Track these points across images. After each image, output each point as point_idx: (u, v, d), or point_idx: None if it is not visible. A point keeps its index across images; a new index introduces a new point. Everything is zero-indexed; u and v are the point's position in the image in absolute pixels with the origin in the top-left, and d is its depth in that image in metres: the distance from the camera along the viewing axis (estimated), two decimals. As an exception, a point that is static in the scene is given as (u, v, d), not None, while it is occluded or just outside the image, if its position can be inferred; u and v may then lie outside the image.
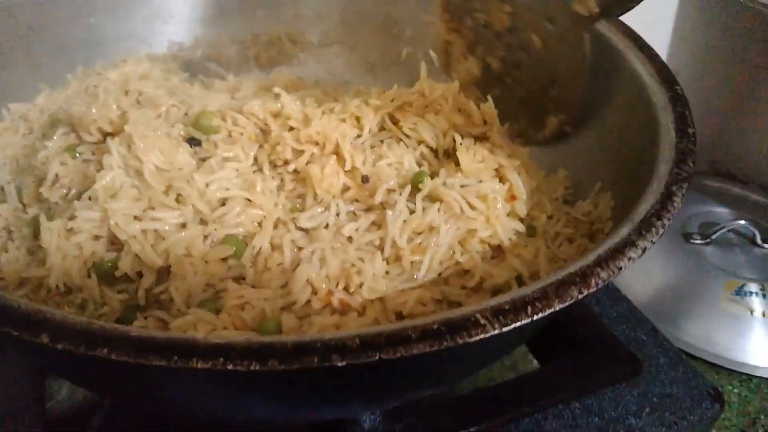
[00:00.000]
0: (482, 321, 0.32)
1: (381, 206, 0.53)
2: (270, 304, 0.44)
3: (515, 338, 0.43)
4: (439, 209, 0.51)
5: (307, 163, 0.55)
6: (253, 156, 0.55)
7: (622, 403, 0.65)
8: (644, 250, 0.38)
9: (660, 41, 1.05)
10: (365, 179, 0.54)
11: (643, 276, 0.87)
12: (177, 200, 0.49)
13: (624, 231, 0.39)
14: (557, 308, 0.33)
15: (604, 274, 0.36)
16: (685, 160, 0.47)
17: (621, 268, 0.36)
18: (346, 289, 0.46)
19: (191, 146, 0.54)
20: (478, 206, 0.52)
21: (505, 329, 0.32)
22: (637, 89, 0.58)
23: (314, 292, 0.46)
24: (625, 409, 0.65)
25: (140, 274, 0.46)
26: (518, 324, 0.32)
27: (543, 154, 0.70)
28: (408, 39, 0.82)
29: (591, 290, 0.35)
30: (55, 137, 0.56)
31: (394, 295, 0.47)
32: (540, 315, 0.33)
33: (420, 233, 0.51)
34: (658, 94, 0.55)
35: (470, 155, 0.56)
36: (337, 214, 0.53)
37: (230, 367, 0.29)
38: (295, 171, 0.55)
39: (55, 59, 0.71)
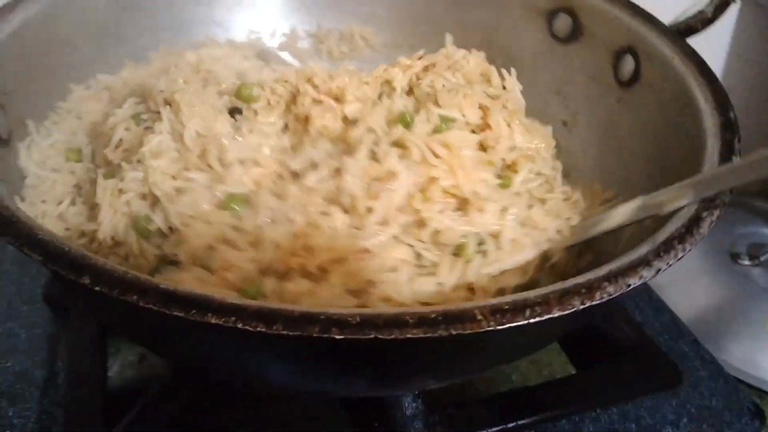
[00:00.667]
0: (479, 317, 0.34)
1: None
2: (254, 266, 0.46)
3: (522, 340, 0.44)
4: (399, 156, 0.51)
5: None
6: (283, 122, 0.60)
7: (660, 411, 0.66)
8: (658, 271, 0.38)
9: (716, 58, 1.04)
10: (353, 121, 0.56)
11: (688, 294, 0.87)
12: (208, 164, 0.53)
13: (643, 249, 0.40)
14: (555, 315, 0.34)
15: (611, 289, 0.37)
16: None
17: (630, 286, 0.37)
18: (307, 249, 0.46)
19: (233, 116, 0.60)
20: (441, 153, 0.51)
21: (499, 327, 0.34)
22: (690, 110, 0.59)
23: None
24: (663, 418, 0.65)
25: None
26: (514, 324, 0.34)
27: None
28: (477, 45, 0.82)
29: (594, 302, 0.36)
30: (125, 105, 0.61)
31: (356, 257, 0.47)
32: (537, 319, 0.34)
33: (379, 180, 0.50)
34: (710, 118, 0.55)
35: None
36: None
37: (239, 326, 0.33)
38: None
39: (142, 37, 0.78)
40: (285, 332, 0.32)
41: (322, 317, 0.33)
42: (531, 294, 0.36)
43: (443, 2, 0.88)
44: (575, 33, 0.80)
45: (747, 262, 0.85)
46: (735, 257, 0.84)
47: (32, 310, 0.73)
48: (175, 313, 0.33)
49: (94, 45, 0.73)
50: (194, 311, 0.33)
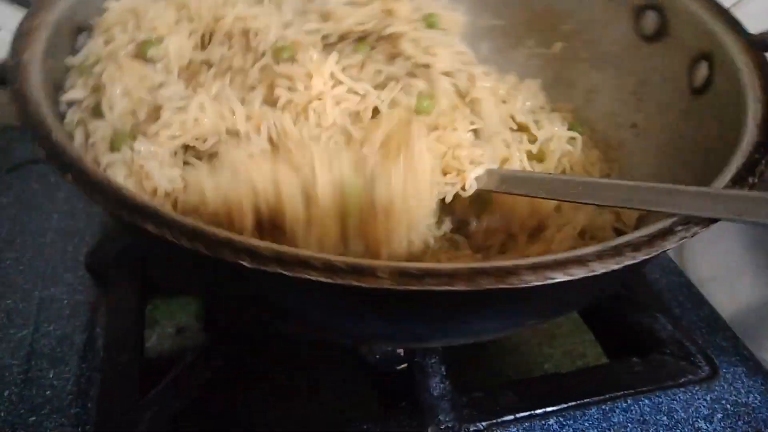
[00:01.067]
0: (380, 274, 0.42)
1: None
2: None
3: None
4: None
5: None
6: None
7: (693, 405, 0.68)
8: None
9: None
10: None
11: (730, 290, 0.89)
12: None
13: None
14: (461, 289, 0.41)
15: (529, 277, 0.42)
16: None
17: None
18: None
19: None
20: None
21: (399, 287, 0.41)
22: (738, 126, 0.60)
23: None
24: (696, 412, 0.67)
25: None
26: (411, 288, 0.41)
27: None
28: (564, 37, 0.89)
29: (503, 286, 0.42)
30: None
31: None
32: (437, 288, 0.41)
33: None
34: (749, 137, 0.57)
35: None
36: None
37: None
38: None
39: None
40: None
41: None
42: (446, 266, 0.42)
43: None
44: (660, 32, 0.82)
45: (793, 260, 0.82)
46: (783, 253, 0.82)
47: (74, 277, 0.83)
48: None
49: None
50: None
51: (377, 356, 0.67)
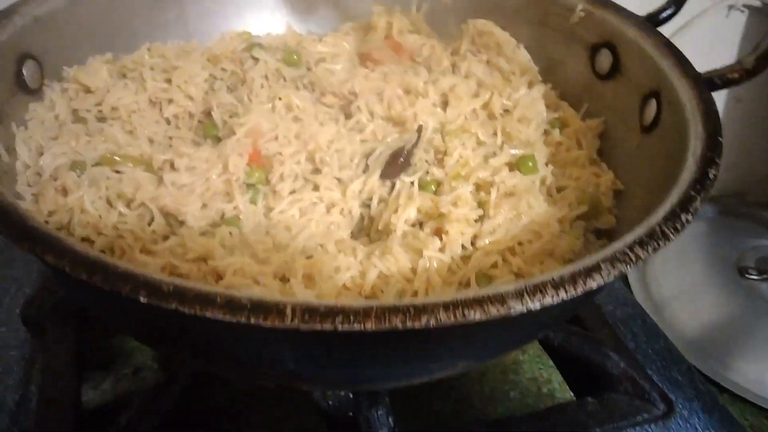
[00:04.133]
0: (288, 312, 0.40)
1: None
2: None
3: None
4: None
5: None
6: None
7: None
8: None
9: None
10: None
11: (692, 308, 0.89)
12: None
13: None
14: (369, 329, 0.39)
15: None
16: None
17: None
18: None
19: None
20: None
21: (302, 327, 0.39)
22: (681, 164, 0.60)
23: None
24: None
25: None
26: (315, 328, 0.39)
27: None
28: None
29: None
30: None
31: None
32: (345, 328, 0.39)
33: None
34: (688, 174, 0.57)
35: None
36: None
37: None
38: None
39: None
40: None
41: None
42: (356, 304, 0.40)
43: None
44: (614, 70, 0.83)
45: (755, 277, 0.86)
46: (743, 271, 0.84)
47: (9, 331, 0.79)
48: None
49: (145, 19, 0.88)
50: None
51: (329, 402, 0.64)
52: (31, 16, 0.73)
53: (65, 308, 0.77)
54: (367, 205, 0.72)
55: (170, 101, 0.78)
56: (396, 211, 0.66)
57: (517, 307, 0.42)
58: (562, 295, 0.43)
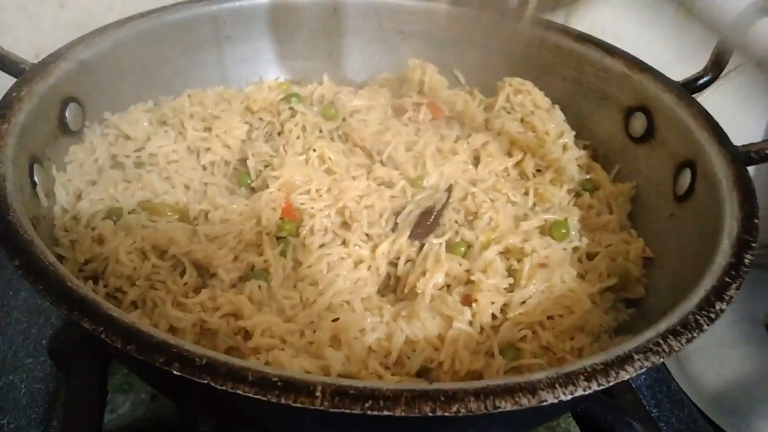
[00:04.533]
0: (317, 393, 0.40)
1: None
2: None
3: None
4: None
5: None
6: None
7: None
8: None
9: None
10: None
11: (717, 365, 0.86)
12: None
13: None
14: (398, 414, 0.40)
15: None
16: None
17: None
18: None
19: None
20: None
21: (332, 410, 0.40)
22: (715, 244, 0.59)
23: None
24: None
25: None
26: (344, 411, 0.40)
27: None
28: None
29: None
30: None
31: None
32: (375, 413, 0.39)
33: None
34: (723, 258, 0.56)
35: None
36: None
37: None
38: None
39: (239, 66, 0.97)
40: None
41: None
42: (386, 386, 0.40)
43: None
44: (648, 134, 0.83)
45: (783, 334, 0.80)
46: (770, 328, 0.81)
47: (35, 363, 0.80)
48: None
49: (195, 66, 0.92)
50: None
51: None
52: (76, 60, 0.75)
53: (92, 343, 0.76)
54: (394, 263, 0.72)
55: (208, 149, 0.79)
56: (424, 274, 0.66)
57: (548, 399, 0.41)
58: (594, 386, 0.43)
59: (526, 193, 0.78)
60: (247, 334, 0.60)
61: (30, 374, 0.78)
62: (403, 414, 0.40)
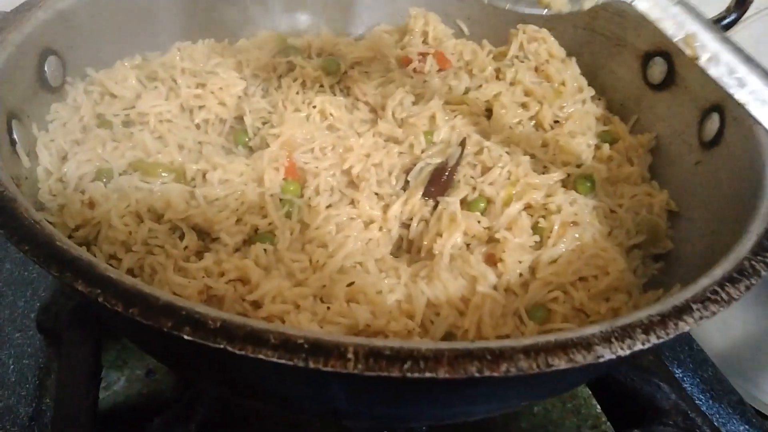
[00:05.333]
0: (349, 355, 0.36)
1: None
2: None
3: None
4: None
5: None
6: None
7: None
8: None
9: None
10: None
11: (722, 324, 0.84)
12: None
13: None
14: (441, 376, 0.36)
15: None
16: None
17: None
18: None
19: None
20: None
21: (367, 374, 0.36)
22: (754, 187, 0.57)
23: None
24: None
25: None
26: (378, 374, 0.35)
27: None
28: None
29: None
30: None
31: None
32: (411, 375, 0.36)
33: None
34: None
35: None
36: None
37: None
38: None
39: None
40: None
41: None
42: (425, 346, 0.37)
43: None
44: (668, 80, 0.79)
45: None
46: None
47: (24, 337, 0.75)
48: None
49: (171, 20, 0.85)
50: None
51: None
52: (54, 9, 0.69)
53: (84, 314, 0.72)
54: (405, 225, 0.67)
55: (202, 107, 0.74)
56: (440, 235, 0.62)
57: (605, 354, 0.37)
58: (653, 339, 0.39)
59: (544, 145, 0.74)
60: (255, 303, 0.55)
61: (18, 350, 0.73)
62: (446, 376, 0.36)
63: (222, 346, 0.36)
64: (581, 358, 0.37)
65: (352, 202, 0.67)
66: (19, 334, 0.75)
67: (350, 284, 0.57)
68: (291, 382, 0.45)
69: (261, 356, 0.36)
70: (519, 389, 0.45)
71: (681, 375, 0.77)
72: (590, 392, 0.74)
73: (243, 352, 0.36)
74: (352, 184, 0.70)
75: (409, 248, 0.67)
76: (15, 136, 0.60)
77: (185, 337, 0.36)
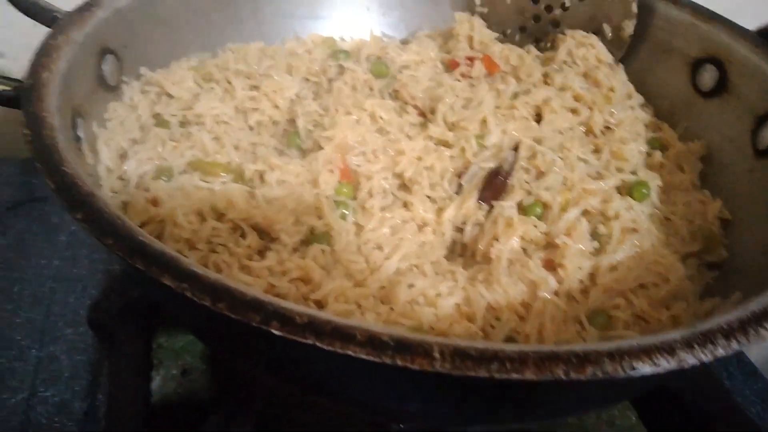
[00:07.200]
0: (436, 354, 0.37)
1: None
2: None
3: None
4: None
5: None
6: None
7: None
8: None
9: None
10: None
11: None
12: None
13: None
14: (529, 378, 0.36)
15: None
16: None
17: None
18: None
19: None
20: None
21: (454, 373, 0.36)
22: None
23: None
24: None
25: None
26: (466, 374, 0.36)
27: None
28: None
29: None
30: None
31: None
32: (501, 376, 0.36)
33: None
34: None
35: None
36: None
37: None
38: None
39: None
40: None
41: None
42: (509, 348, 0.37)
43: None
44: (719, 88, 0.79)
45: None
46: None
47: (75, 334, 0.77)
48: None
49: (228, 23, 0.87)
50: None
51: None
52: (112, 8, 0.71)
53: (134, 311, 0.75)
54: (458, 228, 0.68)
55: (255, 109, 0.75)
56: (495, 239, 0.63)
57: (688, 360, 0.38)
58: (734, 345, 0.39)
59: (596, 151, 0.75)
60: (318, 302, 0.55)
61: (71, 345, 0.75)
62: (533, 377, 0.36)
63: (311, 342, 0.37)
64: (665, 363, 0.37)
65: (405, 205, 0.68)
66: (70, 330, 0.77)
67: (410, 286, 0.57)
68: (361, 377, 0.45)
69: (349, 352, 0.36)
70: (584, 396, 0.46)
71: (730, 386, 0.76)
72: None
73: (331, 348, 0.37)
74: (404, 187, 0.71)
75: (463, 252, 0.67)
76: (80, 134, 0.61)
77: (273, 332, 0.37)
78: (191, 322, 0.54)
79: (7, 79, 0.62)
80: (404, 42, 0.96)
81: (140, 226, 0.60)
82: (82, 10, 0.68)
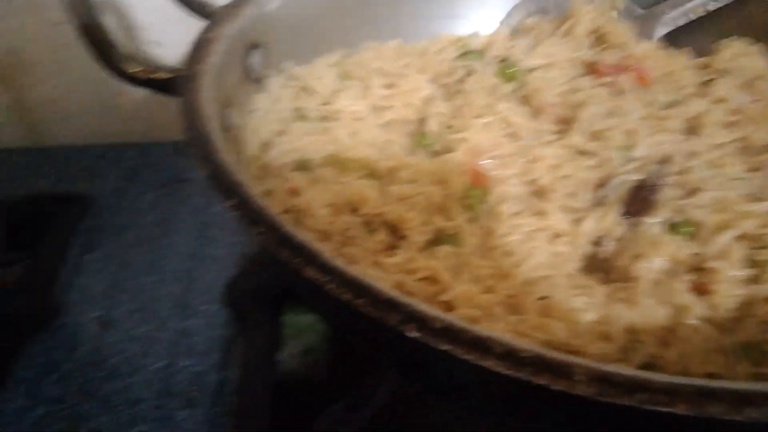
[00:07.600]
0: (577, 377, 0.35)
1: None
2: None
3: None
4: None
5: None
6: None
7: None
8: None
9: None
10: None
11: None
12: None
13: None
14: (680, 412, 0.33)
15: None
16: None
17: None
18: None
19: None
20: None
21: (599, 398, 0.34)
22: None
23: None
24: None
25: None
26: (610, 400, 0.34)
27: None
28: None
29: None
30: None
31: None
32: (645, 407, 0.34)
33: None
34: None
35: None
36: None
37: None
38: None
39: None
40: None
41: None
42: (659, 378, 0.35)
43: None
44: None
45: None
46: None
47: (212, 310, 0.81)
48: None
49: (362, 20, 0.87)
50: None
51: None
52: (260, 5, 0.74)
53: (267, 293, 0.78)
54: (594, 242, 0.64)
55: (389, 108, 0.76)
56: (638, 256, 0.59)
57: None
58: None
59: (755, 170, 0.68)
60: (446, 304, 0.55)
61: (206, 321, 0.79)
62: (686, 413, 0.34)
63: (447, 349, 0.37)
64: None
65: (539, 213, 0.66)
66: (206, 307, 0.81)
67: (542, 298, 0.56)
68: (487, 387, 0.44)
69: (486, 365, 0.36)
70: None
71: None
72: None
73: (467, 358, 0.36)
74: (537, 194, 0.69)
75: (599, 267, 0.63)
76: (230, 123, 0.64)
77: (409, 334, 0.37)
78: (323, 309, 0.56)
79: (166, 68, 0.67)
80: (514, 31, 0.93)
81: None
82: (234, 5, 0.72)
